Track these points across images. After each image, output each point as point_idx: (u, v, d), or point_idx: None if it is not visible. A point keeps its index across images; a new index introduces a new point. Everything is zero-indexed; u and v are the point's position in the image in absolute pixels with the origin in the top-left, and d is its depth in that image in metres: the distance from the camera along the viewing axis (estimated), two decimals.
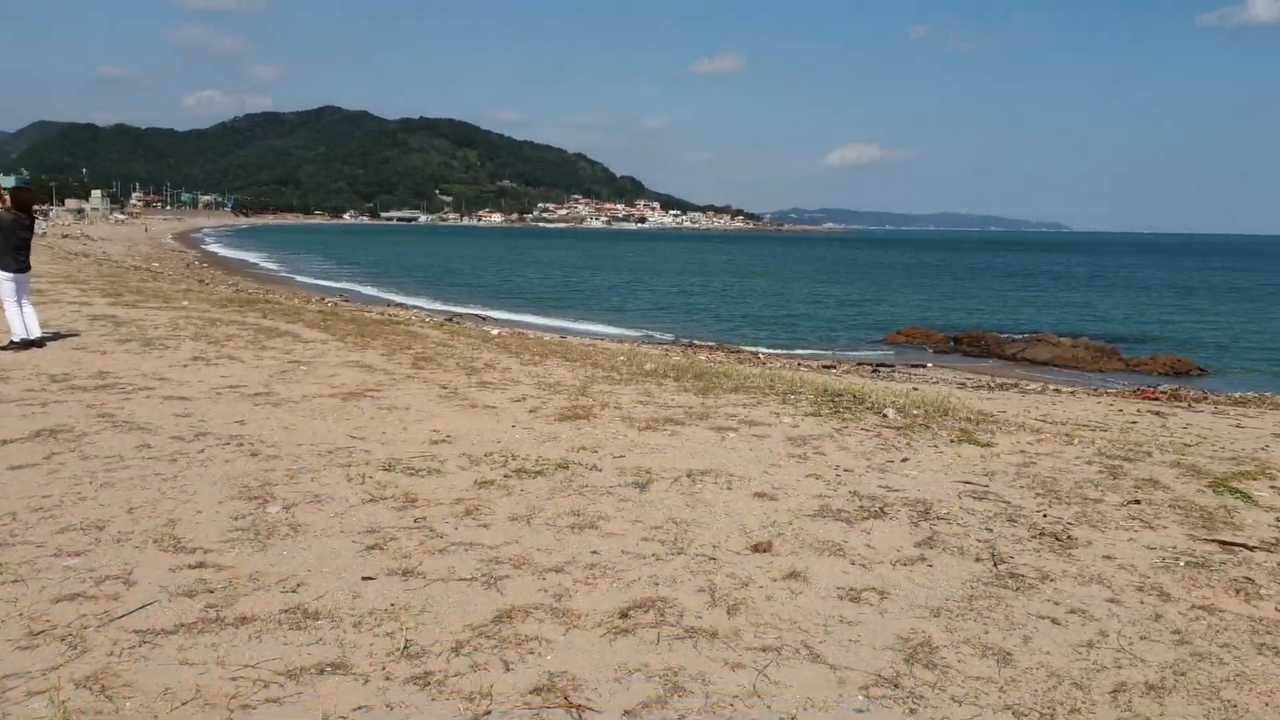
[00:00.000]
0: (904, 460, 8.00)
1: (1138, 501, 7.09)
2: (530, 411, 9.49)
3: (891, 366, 29.40)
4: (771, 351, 33.06)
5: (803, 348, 34.79)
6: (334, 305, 33.16)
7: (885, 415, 9.71)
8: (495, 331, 28.98)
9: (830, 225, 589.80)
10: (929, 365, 30.79)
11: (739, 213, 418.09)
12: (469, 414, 9.28)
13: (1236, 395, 23.55)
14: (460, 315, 38.21)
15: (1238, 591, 5.40)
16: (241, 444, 7.66)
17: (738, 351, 31.87)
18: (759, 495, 6.77)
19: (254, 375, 10.96)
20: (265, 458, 7.26)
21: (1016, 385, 24.15)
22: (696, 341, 34.92)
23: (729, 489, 6.89)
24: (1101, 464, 8.29)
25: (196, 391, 9.83)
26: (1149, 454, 9.01)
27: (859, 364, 30.10)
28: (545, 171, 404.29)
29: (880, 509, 6.56)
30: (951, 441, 8.88)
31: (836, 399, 10.53)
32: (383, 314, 29.11)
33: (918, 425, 9.41)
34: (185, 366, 11.36)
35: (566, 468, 7.25)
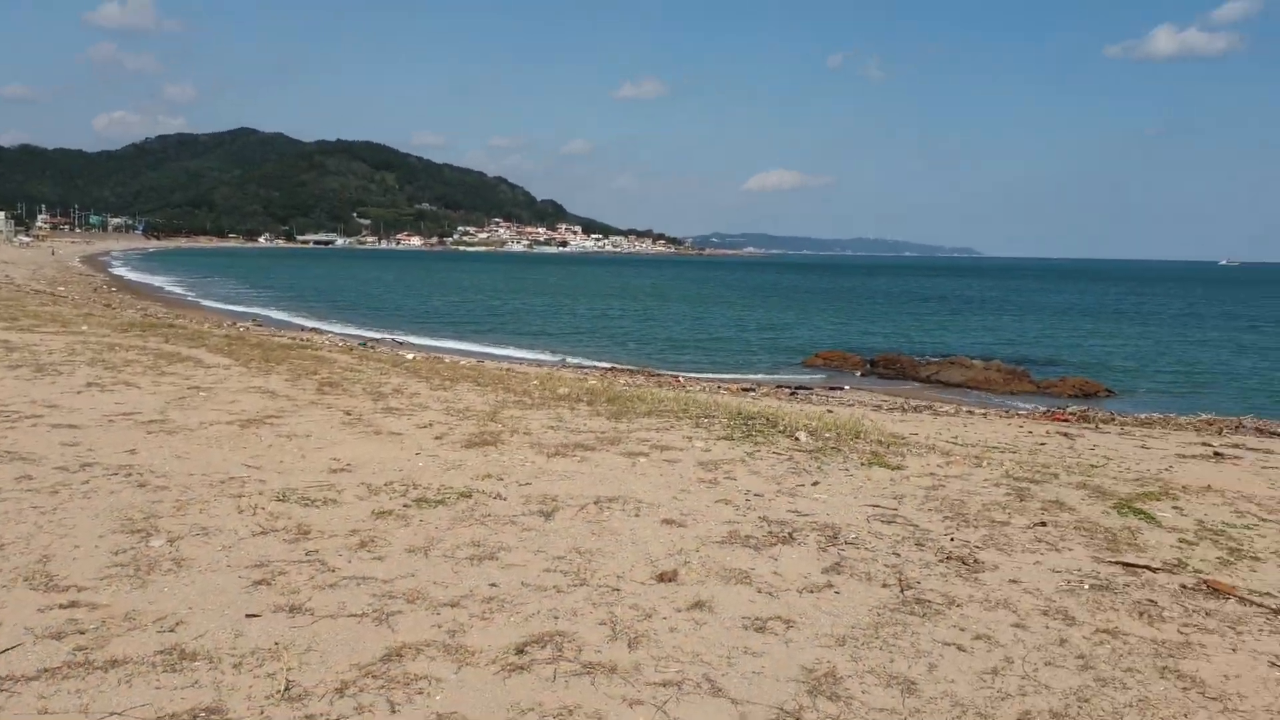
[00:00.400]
0: (814, 484, 7.94)
1: (1044, 524, 7.11)
2: (436, 438, 9.24)
3: (810, 389, 29.59)
4: (692, 375, 33.09)
5: (723, 370, 34.83)
6: (246, 329, 32.39)
7: (798, 439, 9.67)
8: (410, 356, 28.53)
9: (751, 249, 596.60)
10: (846, 388, 31.06)
11: (660, 237, 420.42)
12: (372, 441, 9.00)
13: (1142, 416, 24.16)
14: (376, 340, 37.54)
15: (1141, 614, 5.40)
16: (130, 474, 7.29)
17: (658, 375, 31.79)
18: (667, 522, 6.63)
19: (150, 402, 10.52)
20: (154, 488, 6.91)
21: (930, 407, 24.47)
22: (617, 365, 34.85)
23: (637, 516, 6.74)
24: (1009, 486, 8.33)
25: (87, 419, 9.38)
26: (1056, 475, 9.09)
27: (778, 386, 30.22)
28: (465, 195, 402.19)
29: (789, 534, 6.47)
30: (862, 464, 8.86)
31: (750, 422, 10.48)
32: (294, 339, 28.49)
33: (829, 448, 9.39)
34: (78, 393, 10.87)
35: (469, 496, 7.03)
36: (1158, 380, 34.35)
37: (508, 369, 25.84)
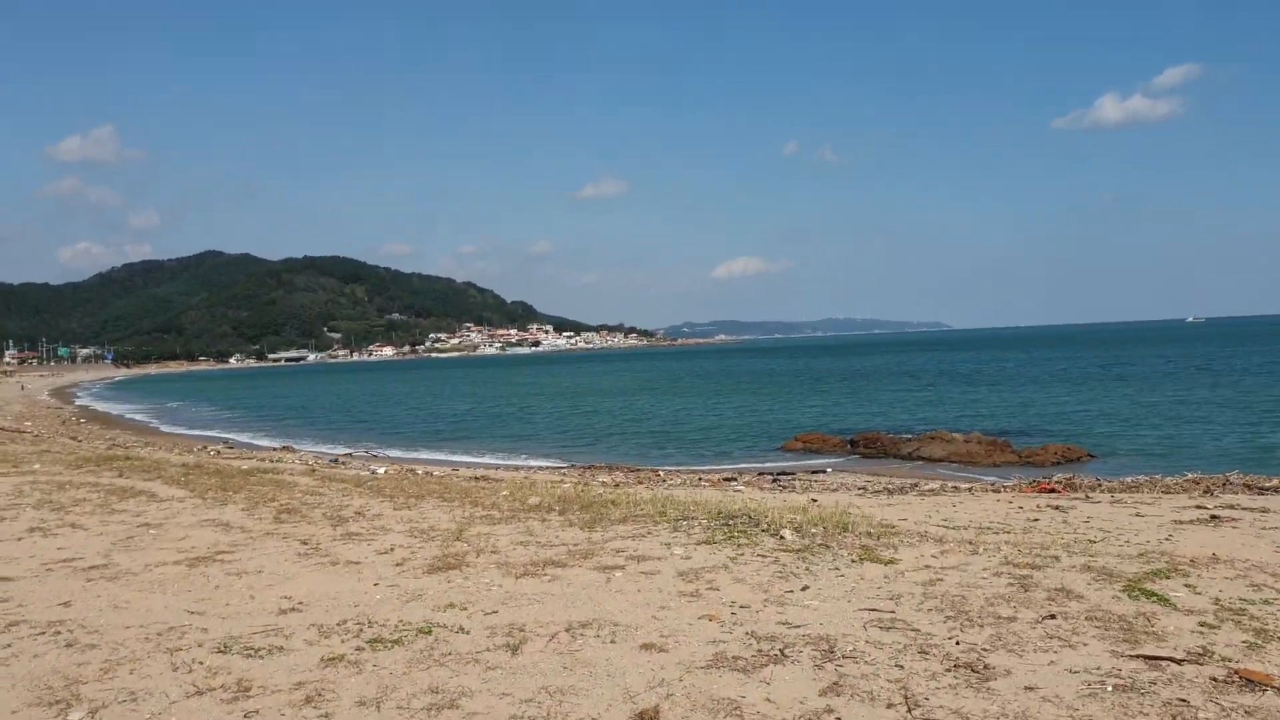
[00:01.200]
0: (804, 589, 7.39)
1: (1053, 616, 6.59)
2: (397, 565, 8.65)
3: (792, 474, 29.10)
4: (672, 468, 32.56)
5: (704, 462, 34.43)
6: (216, 452, 31.67)
7: (783, 537, 9.14)
8: (382, 470, 27.87)
9: (722, 336, 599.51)
10: (828, 470, 30.59)
11: (632, 330, 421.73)
12: (327, 573, 8.39)
13: (1129, 480, 23.80)
14: (348, 455, 36.87)
15: (1174, 718, 4.86)
16: (59, 632, 6.65)
17: (637, 471, 31.25)
18: (646, 647, 6.05)
19: (95, 544, 9.88)
20: (82, 647, 6.27)
21: (915, 486, 23.99)
22: (594, 464, 34.26)
23: (613, 642, 6.16)
24: (1010, 574, 7.82)
25: (23, 569, 8.73)
26: (1057, 557, 8.59)
27: (760, 473, 29.72)
28: (435, 302, 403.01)
29: (780, 651, 5.91)
30: (853, 561, 8.33)
31: (731, 522, 9.94)
32: (262, 461, 27.83)
33: (817, 546, 8.85)
34: (18, 540, 10.21)
35: (429, 632, 6.43)
36: (1138, 441, 34.16)
37: (480, 477, 25.19)
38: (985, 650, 5.89)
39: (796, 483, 26.08)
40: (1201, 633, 6.21)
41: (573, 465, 34.23)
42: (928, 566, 8.19)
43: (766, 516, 10.15)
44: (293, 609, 7.22)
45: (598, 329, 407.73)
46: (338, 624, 6.74)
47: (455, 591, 7.59)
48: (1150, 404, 47.01)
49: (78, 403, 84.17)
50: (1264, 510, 15.19)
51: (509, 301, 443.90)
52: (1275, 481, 22.42)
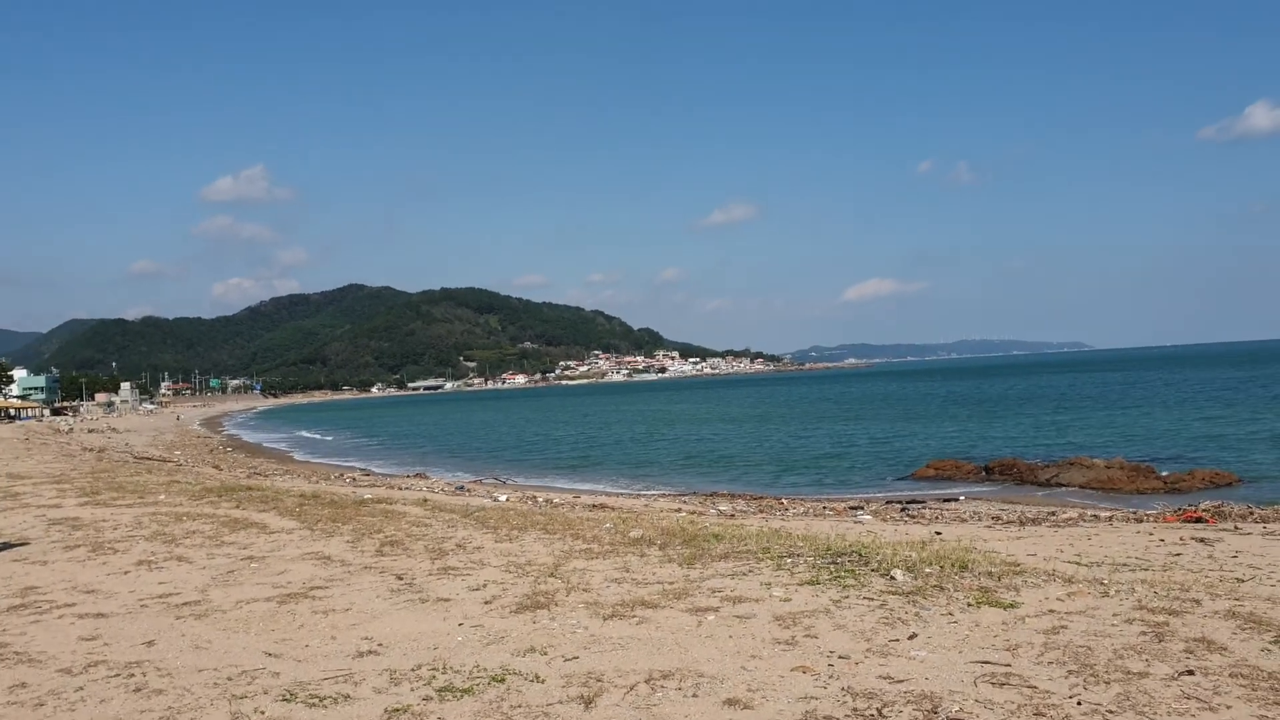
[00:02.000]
0: (911, 637, 6.80)
1: (1191, 672, 5.86)
2: (486, 603, 8.38)
3: (922, 502, 28.13)
4: (797, 495, 31.89)
5: (830, 490, 33.61)
6: (352, 480, 32.40)
7: (893, 578, 8.53)
8: (504, 498, 28.02)
9: (852, 360, 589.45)
10: (961, 498, 29.48)
11: (759, 355, 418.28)
12: (415, 612, 8.18)
13: None
14: (477, 482, 37.32)
15: None
16: (133, 674, 6.57)
17: (759, 499, 30.69)
18: (730, 703, 5.59)
19: (195, 579, 9.94)
20: (149, 693, 6.16)
21: (1051, 516, 22.77)
22: (717, 492, 33.81)
23: (694, 696, 5.72)
24: (1143, 621, 7.07)
25: (120, 605, 8.80)
26: (1198, 602, 7.76)
27: (888, 502, 28.82)
28: (565, 330, 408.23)
29: (878, 711, 5.38)
30: (969, 605, 7.68)
31: (838, 560, 9.36)
32: (394, 488, 28.28)
33: (930, 588, 8.22)
34: (125, 574, 10.36)
35: (502, 680, 6.10)
36: None
37: (599, 505, 25.01)
38: (1111, 712, 5.24)
39: (926, 511, 25.13)
40: None
41: (695, 493, 33.83)
42: (1051, 611, 7.49)
43: (878, 554, 9.54)
44: (371, 651, 7.00)
45: (724, 354, 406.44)
46: (412, 669, 6.48)
47: (539, 633, 7.27)
48: None
49: (226, 432, 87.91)
50: None
51: (636, 328, 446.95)
52: None
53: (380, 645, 7.13)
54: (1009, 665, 6.12)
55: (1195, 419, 51.14)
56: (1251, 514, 21.29)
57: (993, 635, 6.82)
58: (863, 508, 26.81)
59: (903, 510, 25.68)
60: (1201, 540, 14.40)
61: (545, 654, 6.72)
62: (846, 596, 8.00)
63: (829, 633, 6.97)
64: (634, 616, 7.65)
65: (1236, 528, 17.22)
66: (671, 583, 8.84)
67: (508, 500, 27.16)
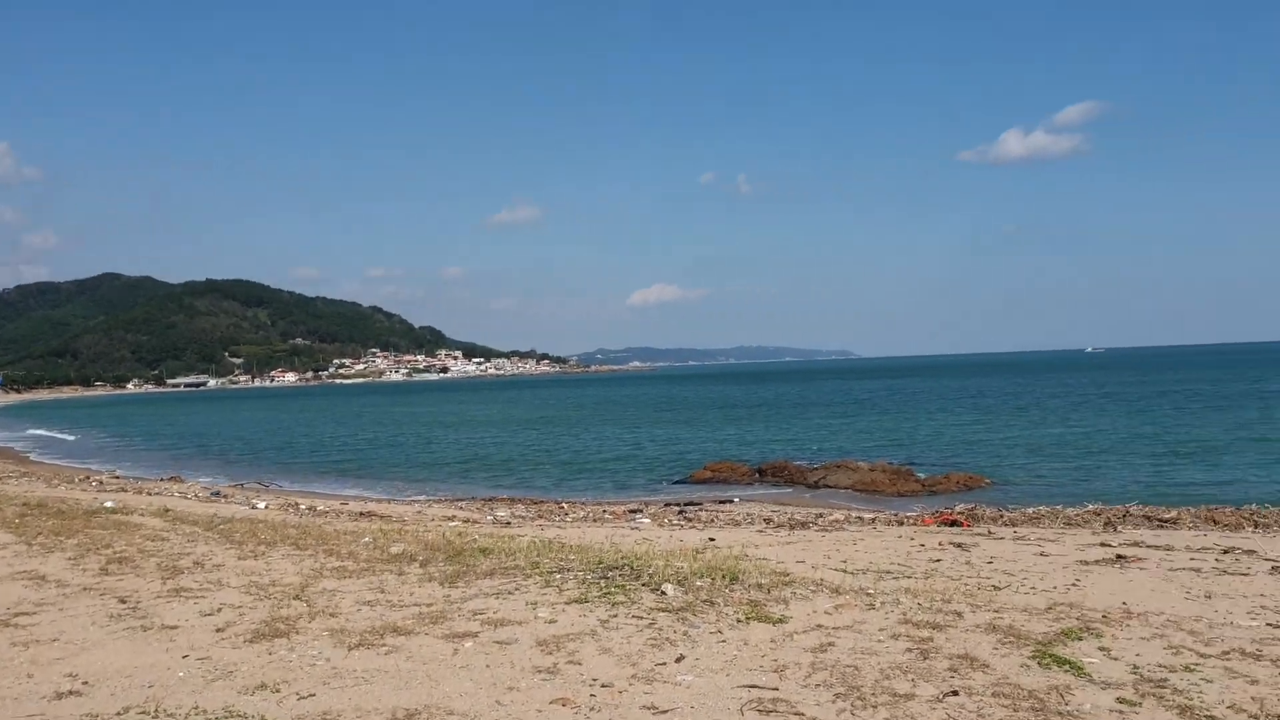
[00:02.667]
0: (679, 660, 6.46)
1: (956, 693, 5.76)
2: (218, 630, 7.50)
3: (699, 505, 28.41)
4: (577, 499, 31.62)
5: (611, 492, 33.56)
6: (98, 484, 29.60)
7: (664, 593, 8.20)
8: (263, 505, 26.34)
9: (636, 364, 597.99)
10: (736, 499, 29.98)
11: (544, 357, 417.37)
12: (135, 641, 7.20)
13: (1030, 510, 23.51)
14: (238, 487, 35.13)
15: None
16: None
17: (540, 503, 30.22)
18: None
19: None
20: None
21: (820, 518, 23.38)
22: (497, 497, 33.10)
23: None
24: (909, 636, 7.00)
25: None
26: (959, 614, 7.81)
27: (667, 505, 28.94)
28: (341, 327, 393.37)
29: None
30: (739, 621, 7.43)
31: (609, 575, 8.97)
32: (140, 492, 25.97)
33: (701, 603, 7.94)
34: None
35: None
36: (1040, 469, 34.22)
37: (367, 513, 23.85)
38: None
39: (703, 514, 25.33)
40: (1121, 712, 5.44)
41: (473, 499, 33.03)
42: (820, 626, 7.34)
43: (650, 566, 9.21)
44: (73, 691, 6.05)
45: (509, 355, 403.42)
46: (118, 713, 5.60)
47: (273, 666, 6.48)
48: (1051, 432, 47.48)
49: None
50: (1168, 549, 14.81)
51: (417, 327, 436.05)
52: (1174, 513, 22.29)
53: (86, 683, 6.17)
54: (776, 689, 5.86)
55: (952, 425, 54.43)
56: (1001, 516, 22.55)
57: (761, 655, 6.57)
58: (641, 511, 26.80)
59: (680, 513, 25.80)
60: (959, 545, 14.96)
61: (278, 691, 5.97)
62: (615, 615, 7.59)
63: (594, 658, 6.53)
64: (383, 645, 6.97)
65: (990, 532, 18.08)
66: (430, 604, 8.19)
67: (266, 508, 25.53)
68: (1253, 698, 5.65)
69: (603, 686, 5.95)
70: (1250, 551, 14.13)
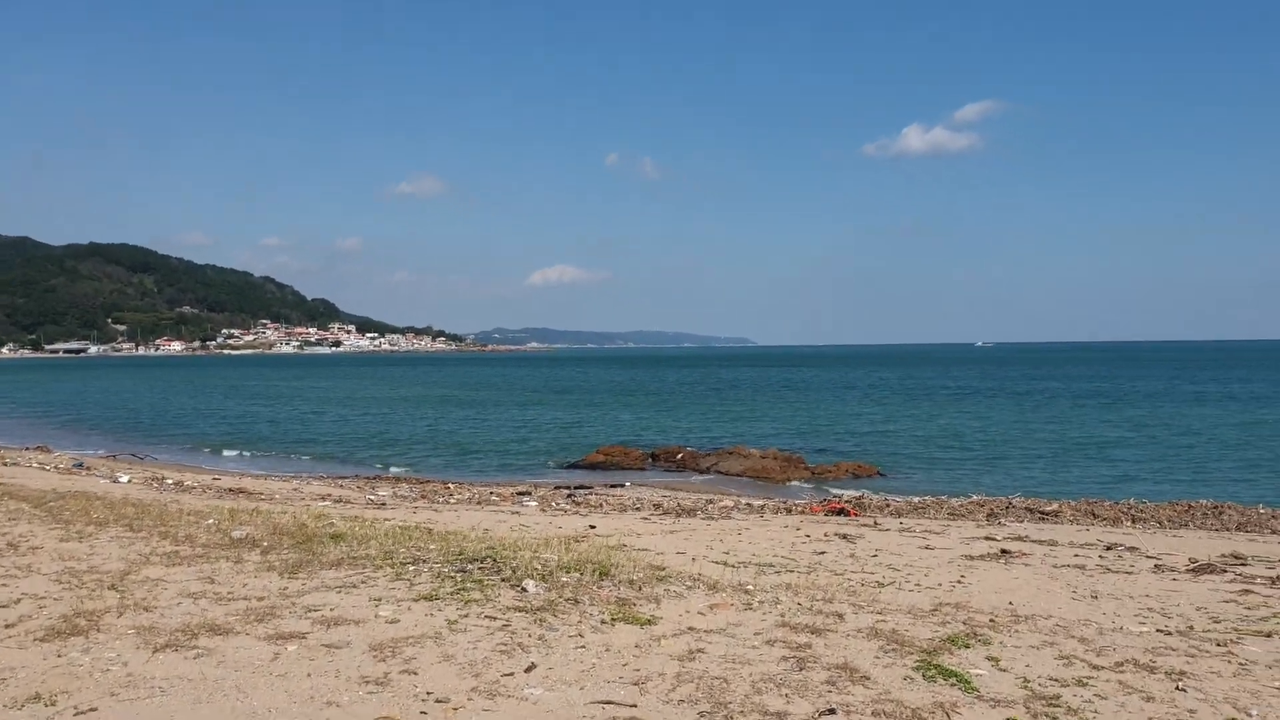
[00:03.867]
0: (529, 669, 5.75)
1: (833, 711, 5.18)
2: (7, 626, 6.51)
3: (589, 488, 27.89)
4: (465, 480, 30.79)
5: (502, 474, 32.78)
6: None
7: (524, 589, 7.48)
8: (126, 478, 24.83)
9: (534, 344, 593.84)
10: (627, 485, 29.52)
11: (440, 334, 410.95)
12: None
13: (916, 500, 23.53)
14: (110, 458, 33.42)
15: None
16: None
17: (425, 483, 29.30)
18: None
19: None
20: None
21: (709, 504, 23.01)
22: (381, 476, 32.02)
23: None
24: (785, 643, 6.42)
25: None
26: (841, 616, 7.27)
27: (557, 487, 28.36)
28: (230, 296, 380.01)
29: None
30: (603, 623, 6.76)
31: (468, 568, 8.20)
32: (2, 461, 24.21)
33: (564, 601, 7.24)
34: None
35: None
36: (926, 459, 34.54)
37: (239, 490, 22.64)
38: None
39: (592, 498, 24.80)
40: None
41: (357, 476, 31.90)
42: (691, 629, 6.71)
43: (515, 558, 8.48)
44: None
45: (404, 331, 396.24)
46: None
47: (57, 673, 5.57)
48: (939, 423, 48.14)
49: None
50: (1052, 544, 14.68)
51: (310, 299, 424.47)
52: (1055, 506, 22.49)
53: None
54: (634, 706, 5.20)
55: (845, 415, 54.85)
56: (888, 505, 22.48)
57: (622, 664, 5.90)
58: (530, 493, 26.14)
59: (569, 497, 25.24)
60: (844, 537, 14.59)
61: (52, 704, 5.08)
62: (466, 615, 6.83)
63: (432, 666, 5.77)
64: (194, 647, 6.10)
65: (876, 523, 17.82)
66: (261, 598, 7.32)
67: (129, 482, 24.09)
68: (1150, 718, 5.20)
69: (436, 702, 5.21)
70: (1133, 548, 14.05)
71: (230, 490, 22.76)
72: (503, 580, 7.76)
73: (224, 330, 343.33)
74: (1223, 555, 13.15)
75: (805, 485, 29.09)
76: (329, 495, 22.91)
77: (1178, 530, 18.45)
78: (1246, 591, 9.77)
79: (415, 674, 5.63)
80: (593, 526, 15.24)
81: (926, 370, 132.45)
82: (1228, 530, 18.47)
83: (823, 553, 12.54)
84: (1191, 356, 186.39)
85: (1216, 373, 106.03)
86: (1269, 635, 7.31)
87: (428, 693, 5.33)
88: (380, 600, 7.20)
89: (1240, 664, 6.32)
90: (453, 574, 7.96)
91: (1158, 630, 7.38)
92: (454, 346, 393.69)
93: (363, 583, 7.79)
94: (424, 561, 8.45)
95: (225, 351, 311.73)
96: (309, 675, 5.60)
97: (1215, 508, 21.58)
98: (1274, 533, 17.82)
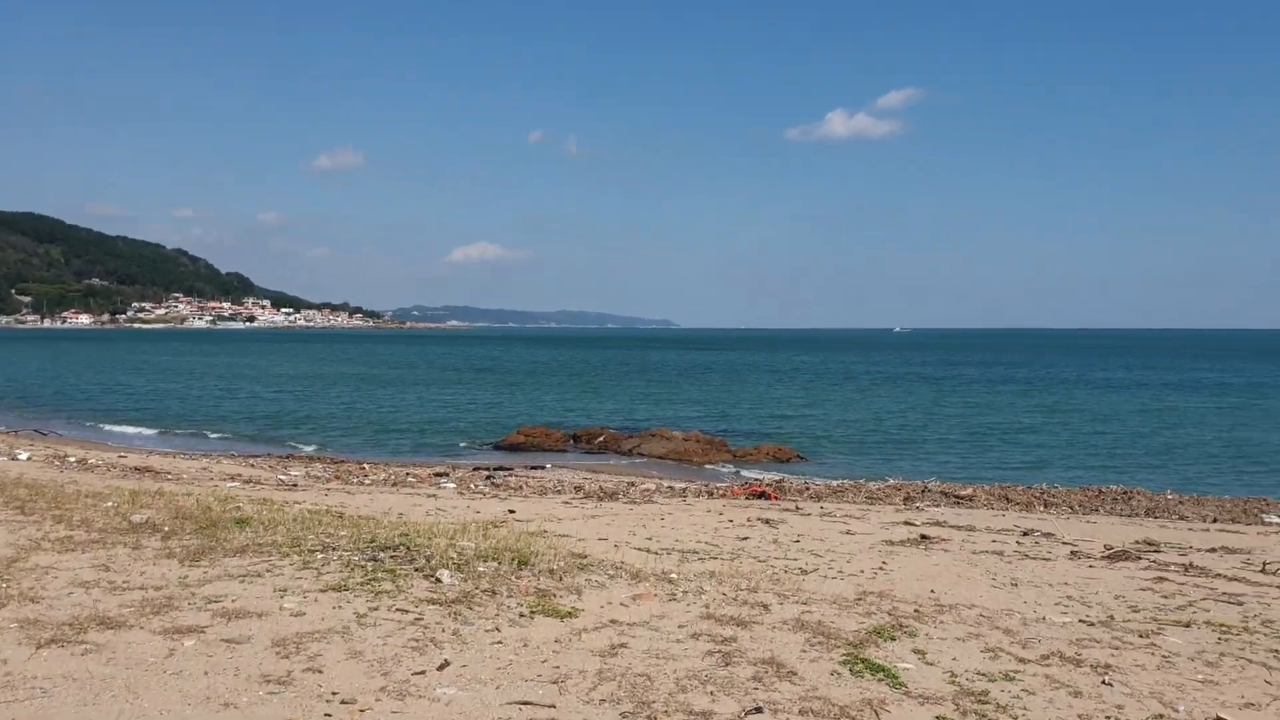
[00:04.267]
0: (442, 667, 5.46)
1: (760, 709, 5.01)
2: None
3: (509, 470, 27.54)
4: (381, 461, 30.22)
5: (420, 454, 32.26)
6: None
7: (439, 580, 7.17)
8: (25, 455, 23.79)
9: (454, 323, 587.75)
10: (548, 466, 29.27)
11: (357, 310, 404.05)
12: None
13: (835, 484, 23.68)
14: (11, 434, 32.01)
15: None
16: None
17: (340, 463, 28.67)
18: None
19: None
20: None
21: (631, 487, 22.85)
22: (295, 455, 31.26)
23: None
24: (710, 636, 6.23)
25: None
26: (766, 606, 7.12)
27: (476, 469, 27.96)
28: (142, 269, 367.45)
29: None
30: (522, 615, 6.50)
31: (380, 556, 7.86)
32: None
33: (480, 592, 6.95)
34: None
35: None
36: (846, 443, 34.88)
37: (144, 468, 21.83)
38: None
39: (512, 480, 24.45)
40: None
41: (270, 455, 31.09)
42: (614, 622, 6.49)
43: (430, 547, 8.15)
44: None
45: (320, 307, 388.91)
46: None
47: None
48: (857, 407, 48.70)
49: None
50: (969, 529, 14.80)
51: (224, 273, 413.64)
52: (970, 490, 22.81)
53: None
54: (553, 707, 4.95)
55: (766, 398, 55.20)
56: (808, 489, 22.57)
57: (541, 660, 5.65)
58: (448, 475, 25.71)
59: (488, 479, 24.85)
60: (767, 522, 14.52)
61: None
62: (376, 608, 6.51)
63: (339, 664, 5.45)
64: (83, 642, 5.69)
65: (798, 507, 17.81)
66: (160, 588, 6.90)
67: (29, 459, 23.09)
68: (1079, 715, 5.12)
69: (342, 703, 4.90)
70: (1049, 534, 14.22)
71: (136, 469, 21.94)
72: (416, 570, 7.44)
73: (135, 304, 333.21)
74: (1136, 542, 13.37)
75: (727, 468, 29.14)
76: (239, 475, 22.22)
77: (1089, 515, 18.80)
78: (1162, 579, 9.89)
79: (320, 672, 5.31)
80: (512, 511, 14.95)
81: (846, 355, 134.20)
82: (1137, 516, 18.88)
83: (746, 538, 12.43)
84: (1106, 344, 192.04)
85: (1128, 360, 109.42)
86: (1188, 625, 7.35)
87: (333, 693, 5.02)
88: (285, 591, 6.83)
89: (1164, 656, 6.31)
90: (363, 563, 7.62)
91: (1080, 620, 7.37)
92: (371, 324, 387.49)
93: (268, 571, 7.40)
94: (333, 549, 8.08)
95: (136, 325, 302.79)
96: (206, 673, 5.24)
97: (1125, 493, 22.09)
98: (1182, 518, 18.25)
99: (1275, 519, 18.28)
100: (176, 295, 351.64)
